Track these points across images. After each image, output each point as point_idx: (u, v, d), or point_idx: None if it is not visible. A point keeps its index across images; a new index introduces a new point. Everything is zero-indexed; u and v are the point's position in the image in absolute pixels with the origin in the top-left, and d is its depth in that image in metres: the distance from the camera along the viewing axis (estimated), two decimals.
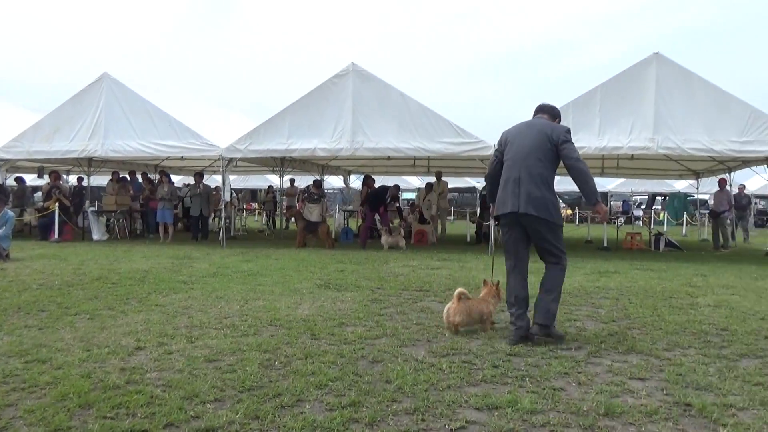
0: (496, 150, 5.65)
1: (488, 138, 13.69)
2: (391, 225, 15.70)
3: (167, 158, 19.36)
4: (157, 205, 16.50)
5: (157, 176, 18.46)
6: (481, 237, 16.77)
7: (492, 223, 14.10)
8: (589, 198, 5.33)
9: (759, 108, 12.72)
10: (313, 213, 16.29)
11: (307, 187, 21.40)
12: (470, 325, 5.80)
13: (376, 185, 17.30)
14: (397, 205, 18.09)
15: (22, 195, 18.86)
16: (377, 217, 16.00)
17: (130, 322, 6.07)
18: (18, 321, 6.06)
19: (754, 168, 16.28)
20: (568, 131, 5.36)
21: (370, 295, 7.79)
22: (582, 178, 5.25)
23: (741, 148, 12.76)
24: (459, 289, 5.73)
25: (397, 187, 15.68)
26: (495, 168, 5.61)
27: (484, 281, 6.00)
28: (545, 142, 5.29)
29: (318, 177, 18.22)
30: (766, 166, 15.26)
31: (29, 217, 18.35)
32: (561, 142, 5.25)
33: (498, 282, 5.95)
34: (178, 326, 5.93)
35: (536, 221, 5.29)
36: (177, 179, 24.44)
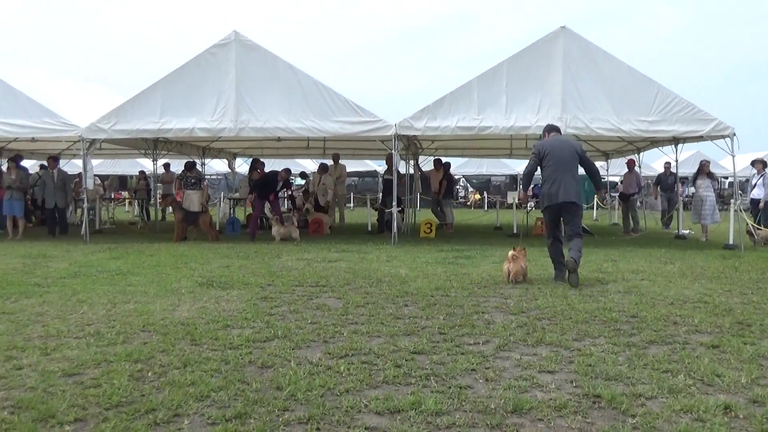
0: (535, 156, 8.79)
1: (388, 117, 13.85)
2: (282, 214, 15.55)
3: (15, 140, 18.20)
4: (3, 195, 15.44)
5: (4, 161, 17.33)
6: (383, 225, 16.96)
7: (395, 210, 14.29)
8: (599, 187, 9.16)
9: (668, 87, 13.58)
10: (193, 202, 15.86)
11: (183, 171, 20.82)
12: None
13: (266, 170, 17.06)
14: (290, 192, 17.94)
15: None
16: (267, 205, 15.81)
17: None
18: None
19: (662, 149, 17.41)
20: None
21: (259, 293, 7.69)
22: (597, 174, 8.90)
23: (649, 128, 13.60)
24: (511, 252, 8.61)
25: (287, 171, 15.55)
26: (532, 169, 8.85)
27: (514, 248, 8.75)
28: (575, 153, 8.70)
29: (194, 159, 17.68)
30: (673, 146, 16.36)
31: None
32: (582, 153, 8.79)
33: (524, 247, 9.02)
34: (30, 336, 5.60)
35: (574, 206, 8.70)
36: (30, 164, 22.98)
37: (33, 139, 17.06)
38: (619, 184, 21.66)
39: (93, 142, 14.38)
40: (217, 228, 16.01)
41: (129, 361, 4.83)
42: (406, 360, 4.92)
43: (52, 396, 4.11)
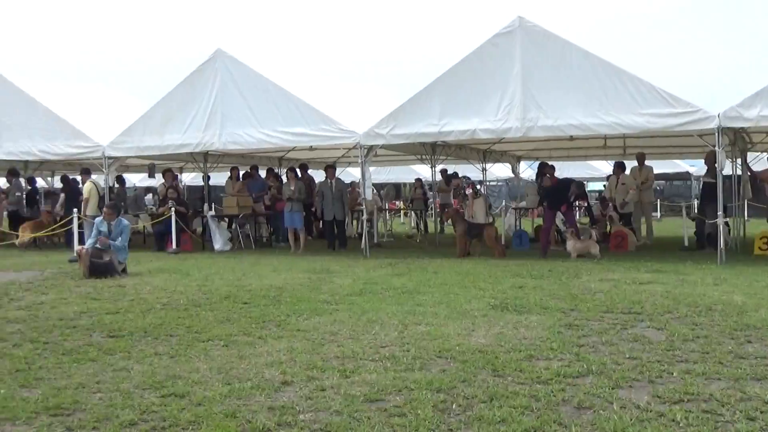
0: None
1: (706, 106, 12.93)
2: (579, 226, 15.34)
3: (293, 149, 20.35)
4: (284, 207, 17.25)
5: (284, 171, 19.40)
6: (704, 240, 15.86)
7: (721, 220, 13.31)
8: None
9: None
10: (476, 213, 16.31)
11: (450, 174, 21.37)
12: None
13: (557, 174, 16.97)
14: (585, 203, 17.64)
15: (125, 198, 20.67)
16: (560, 216, 15.72)
17: (270, 350, 6.43)
18: (147, 347, 6.64)
19: None
20: None
21: (562, 319, 7.67)
22: None
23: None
24: None
25: (580, 185, 15.28)
26: None
27: None
28: None
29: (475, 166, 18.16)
30: None
31: (143, 224, 19.99)
32: None
33: None
34: (327, 356, 6.19)
35: None
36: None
37: (311, 148, 18.97)
38: None
39: (371, 148, 15.49)
40: (503, 242, 16.26)
41: (430, 390, 5.11)
42: (760, 412, 4.56)
43: (358, 423, 4.51)
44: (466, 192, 17.44)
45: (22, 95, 18.45)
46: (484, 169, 22.31)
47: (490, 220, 16.23)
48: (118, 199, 18.95)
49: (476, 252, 15.31)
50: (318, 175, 20.68)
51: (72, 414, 4.77)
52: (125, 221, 12.95)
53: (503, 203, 23.51)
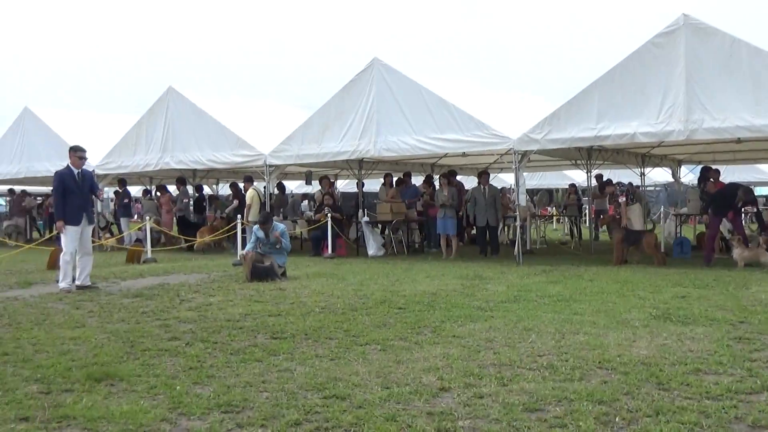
0: None
1: None
2: (747, 233, 14.47)
3: (446, 155, 20.43)
4: (437, 213, 17.37)
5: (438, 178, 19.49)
6: None
7: None
8: None
9: None
10: (632, 219, 15.77)
11: (605, 181, 20.66)
12: None
13: (721, 179, 16.11)
14: (755, 209, 16.61)
15: (284, 204, 21.51)
16: (725, 224, 14.89)
17: (427, 356, 6.49)
18: (308, 349, 6.87)
19: None
20: None
21: (731, 332, 7.27)
22: None
23: None
24: None
25: (748, 191, 14.39)
26: None
27: None
28: None
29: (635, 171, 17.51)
30: None
31: (300, 229, 20.72)
32: None
33: None
34: (484, 363, 6.17)
35: None
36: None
37: (464, 154, 18.97)
38: None
39: (525, 154, 15.30)
40: (662, 249, 15.61)
41: (591, 402, 4.98)
42: None
43: (517, 431, 4.46)
44: (619, 200, 16.85)
45: (194, 108, 19.77)
46: (642, 174, 21.53)
47: (650, 226, 15.59)
48: (278, 205, 19.75)
49: (634, 260, 14.78)
50: (468, 182, 20.67)
51: (241, 411, 5.01)
52: (280, 225, 13.41)
53: (662, 209, 22.53)
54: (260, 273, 12.57)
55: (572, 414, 4.75)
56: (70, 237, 11.82)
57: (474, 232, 20.13)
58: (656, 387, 5.36)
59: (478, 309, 9.04)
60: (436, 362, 6.23)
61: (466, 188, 19.99)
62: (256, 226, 13.54)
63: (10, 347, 7.16)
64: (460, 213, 18.36)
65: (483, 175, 17.77)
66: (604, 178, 23.15)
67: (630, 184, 20.97)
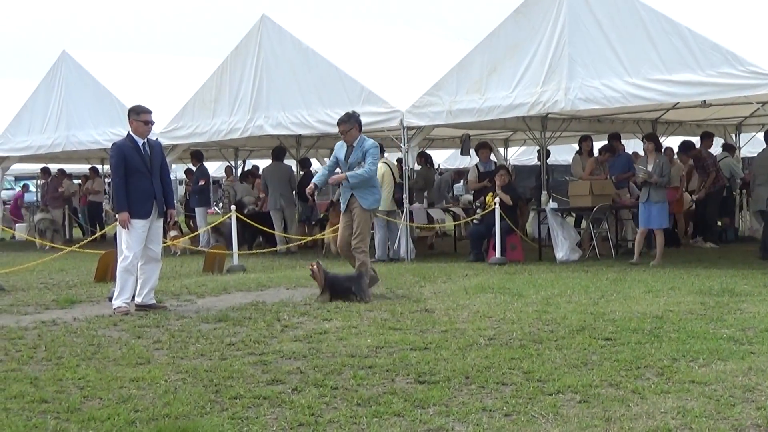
0: None
1: None
2: None
3: (674, 105, 19.89)
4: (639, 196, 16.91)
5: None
6: None
7: None
8: None
9: None
10: None
11: None
12: None
13: None
14: None
15: (431, 184, 21.55)
16: None
17: (652, 410, 6.28)
18: (470, 399, 6.81)
19: None
20: None
21: None
22: None
23: None
24: None
25: None
26: None
27: None
28: None
29: None
30: None
31: (450, 223, 20.72)
32: None
33: None
34: (742, 425, 5.92)
35: None
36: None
37: (704, 103, 18.53)
38: None
39: None
40: None
41: None
42: None
43: None
44: None
45: (297, 45, 19.88)
46: None
47: None
48: (422, 186, 19.64)
49: None
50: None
51: None
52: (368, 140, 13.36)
53: None
54: (342, 291, 12.37)
55: None
56: (135, 236, 11.97)
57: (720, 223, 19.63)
58: None
59: (729, 340, 8.77)
60: (667, 421, 6.02)
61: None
62: (339, 143, 13.47)
63: (50, 392, 7.41)
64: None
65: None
66: None
67: None
